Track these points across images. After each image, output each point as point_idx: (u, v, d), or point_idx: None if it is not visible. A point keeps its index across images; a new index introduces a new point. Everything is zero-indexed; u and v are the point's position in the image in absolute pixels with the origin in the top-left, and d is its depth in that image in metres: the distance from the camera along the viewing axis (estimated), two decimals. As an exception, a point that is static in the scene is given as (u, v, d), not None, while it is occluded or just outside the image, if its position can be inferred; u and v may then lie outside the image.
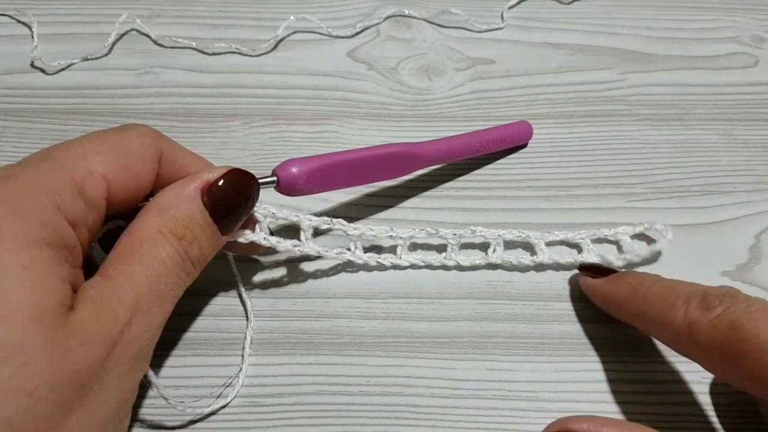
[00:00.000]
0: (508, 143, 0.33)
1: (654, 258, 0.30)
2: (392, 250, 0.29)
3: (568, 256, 0.29)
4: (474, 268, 0.29)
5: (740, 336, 0.20)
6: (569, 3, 0.40)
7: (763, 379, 0.20)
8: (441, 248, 0.30)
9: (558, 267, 0.30)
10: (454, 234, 0.29)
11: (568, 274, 0.29)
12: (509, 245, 0.30)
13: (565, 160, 0.33)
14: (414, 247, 0.30)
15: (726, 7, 0.39)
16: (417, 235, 0.29)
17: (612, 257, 0.29)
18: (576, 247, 0.30)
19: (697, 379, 0.27)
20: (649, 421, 0.26)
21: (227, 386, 0.26)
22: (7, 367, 0.17)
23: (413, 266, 0.29)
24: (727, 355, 0.21)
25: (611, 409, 0.26)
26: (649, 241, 0.30)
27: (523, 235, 0.29)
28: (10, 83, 0.35)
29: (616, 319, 0.28)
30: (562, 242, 0.30)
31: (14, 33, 0.37)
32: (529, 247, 0.30)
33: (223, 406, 0.26)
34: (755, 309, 0.21)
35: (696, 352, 0.22)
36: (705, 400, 0.26)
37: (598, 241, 0.30)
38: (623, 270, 0.28)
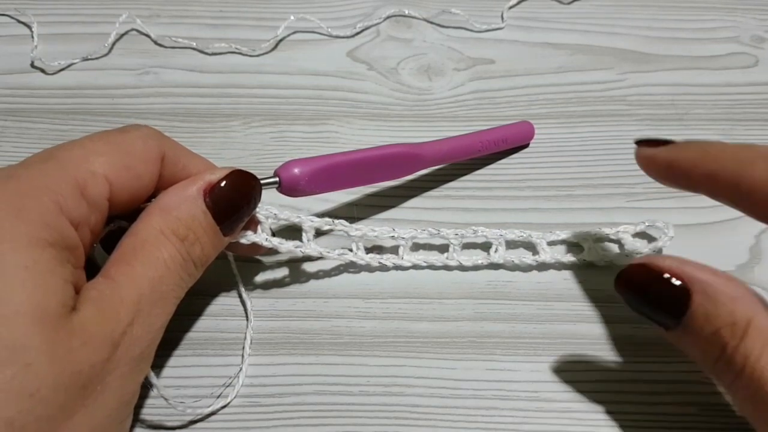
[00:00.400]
0: (510, 143, 0.33)
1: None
2: (394, 250, 0.29)
3: (570, 255, 0.29)
4: (476, 268, 0.29)
5: None
6: (569, 3, 0.40)
7: None
8: (443, 248, 0.30)
9: (560, 266, 0.30)
10: (456, 234, 0.29)
11: (568, 274, 0.29)
12: (511, 245, 0.30)
13: (565, 160, 0.33)
14: (416, 247, 0.30)
15: (726, 7, 0.39)
16: (419, 235, 0.29)
17: (614, 255, 0.29)
18: (577, 246, 0.30)
19: (697, 379, 0.27)
20: (649, 421, 0.26)
21: (227, 386, 0.26)
22: (9, 368, 0.17)
23: (415, 267, 0.29)
24: None
25: (611, 409, 0.26)
26: (651, 239, 0.30)
27: (524, 235, 0.29)
28: (10, 83, 0.35)
29: (616, 319, 0.28)
30: (563, 242, 0.30)
31: (14, 33, 0.38)
32: (530, 247, 0.30)
33: (224, 406, 0.26)
34: None
35: None
36: (705, 400, 0.26)
37: (600, 239, 0.30)
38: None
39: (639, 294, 0.22)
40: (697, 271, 0.21)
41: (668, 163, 0.24)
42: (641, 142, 0.26)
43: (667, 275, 0.21)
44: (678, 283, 0.21)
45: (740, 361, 0.20)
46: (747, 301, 0.20)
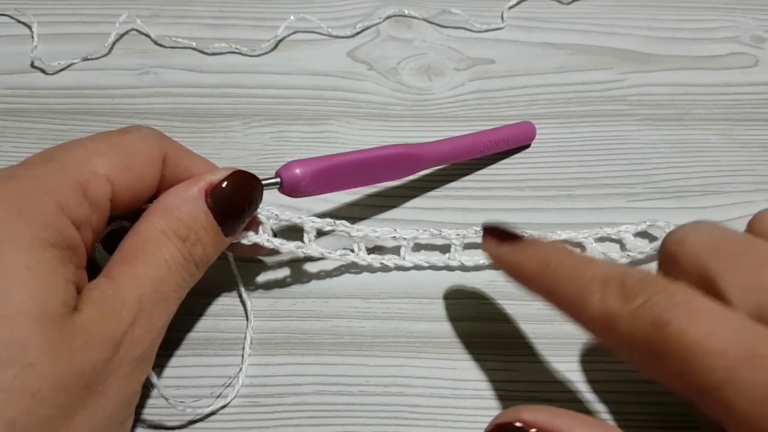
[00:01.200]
0: (511, 144, 0.33)
1: (657, 255, 0.30)
2: (395, 250, 0.29)
3: None
4: (478, 268, 0.29)
5: (665, 335, 0.18)
6: (569, 3, 0.40)
7: (690, 381, 0.18)
8: (444, 248, 0.30)
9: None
10: (458, 234, 0.29)
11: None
12: None
13: (565, 160, 0.33)
14: (417, 247, 0.30)
15: (726, 7, 0.39)
16: (420, 236, 0.29)
17: (615, 255, 0.29)
18: (579, 246, 0.30)
19: (697, 379, 0.27)
20: (649, 421, 0.26)
21: (227, 386, 0.26)
22: (11, 368, 0.17)
23: (417, 267, 0.29)
24: (651, 352, 0.18)
25: (611, 409, 0.26)
26: (652, 238, 0.30)
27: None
28: (10, 83, 0.35)
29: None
30: (564, 241, 0.30)
31: (14, 33, 0.37)
32: None
33: (223, 406, 0.26)
34: (679, 301, 0.18)
35: (616, 344, 0.20)
36: (705, 400, 0.26)
37: (601, 239, 0.30)
38: (529, 236, 0.24)
39: None
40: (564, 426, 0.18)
41: (510, 268, 0.23)
42: (487, 231, 0.25)
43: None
44: None
45: None
46: None
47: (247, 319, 0.28)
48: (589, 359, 0.27)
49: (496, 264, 0.24)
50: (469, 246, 0.30)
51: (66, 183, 0.20)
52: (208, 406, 0.26)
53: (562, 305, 0.21)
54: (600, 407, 0.26)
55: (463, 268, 0.29)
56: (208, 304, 0.28)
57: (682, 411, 0.26)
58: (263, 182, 0.24)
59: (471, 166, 0.33)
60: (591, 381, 0.27)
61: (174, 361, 0.27)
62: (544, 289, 0.22)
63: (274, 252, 0.27)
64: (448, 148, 0.30)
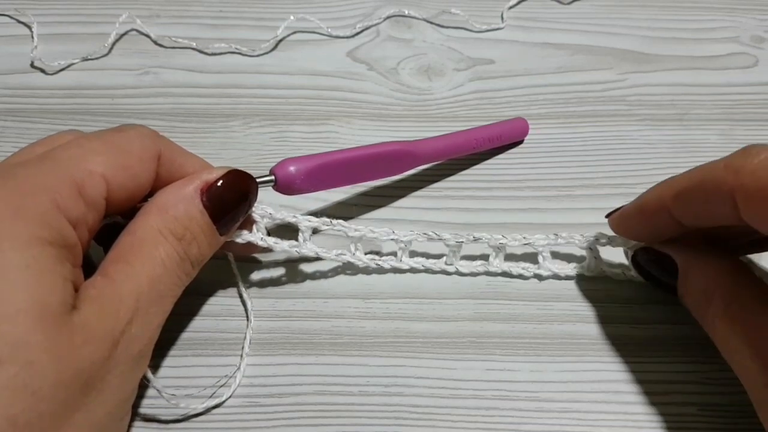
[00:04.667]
0: (504, 140, 0.33)
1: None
2: (392, 252, 0.29)
3: (569, 269, 0.29)
4: (474, 275, 0.29)
5: None
6: (569, 3, 0.40)
7: None
8: (442, 252, 0.30)
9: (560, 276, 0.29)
10: (456, 241, 0.28)
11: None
12: (511, 257, 0.29)
13: (565, 160, 0.33)
14: (414, 250, 0.30)
15: (726, 7, 0.39)
16: (418, 239, 0.28)
17: (613, 273, 0.29)
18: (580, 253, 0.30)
19: (697, 379, 0.27)
20: (649, 421, 0.26)
21: (223, 386, 0.26)
22: (11, 366, 0.17)
23: (413, 270, 0.29)
24: None
25: (611, 409, 0.26)
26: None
27: (526, 243, 0.29)
28: (10, 83, 0.35)
29: (615, 320, 0.28)
30: (566, 243, 0.29)
31: (14, 33, 0.38)
32: (532, 255, 0.29)
33: (218, 405, 0.26)
34: None
35: (741, 194, 0.21)
36: (705, 400, 0.26)
37: (602, 247, 0.29)
38: None
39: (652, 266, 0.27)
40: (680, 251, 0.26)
41: (637, 210, 0.26)
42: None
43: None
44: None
45: None
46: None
47: (247, 319, 0.28)
48: (588, 359, 0.27)
49: (623, 223, 0.28)
50: (467, 250, 0.30)
51: (62, 182, 0.20)
52: (203, 403, 0.26)
53: (690, 197, 0.23)
54: (600, 407, 0.26)
55: (459, 274, 0.29)
56: (208, 304, 0.28)
57: (681, 411, 0.26)
58: (258, 180, 0.24)
59: (470, 166, 0.33)
60: (591, 381, 0.27)
61: (174, 360, 0.27)
62: (673, 193, 0.24)
63: (269, 251, 0.27)
64: (442, 145, 0.30)
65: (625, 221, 0.27)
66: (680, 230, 0.25)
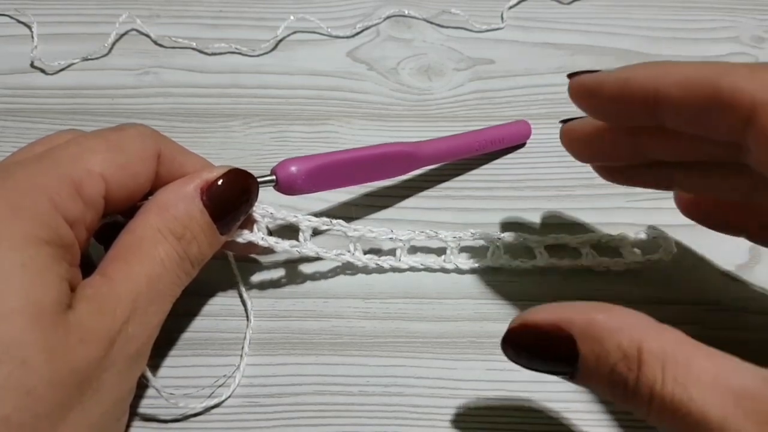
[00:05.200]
0: (506, 142, 0.33)
1: (657, 263, 0.29)
2: (391, 251, 0.29)
3: (566, 260, 0.29)
4: (473, 271, 0.29)
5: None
6: (569, 3, 0.40)
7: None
8: (441, 250, 0.30)
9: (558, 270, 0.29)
10: (454, 237, 0.29)
11: (567, 274, 0.29)
12: (508, 249, 0.29)
13: (565, 160, 0.33)
14: (413, 249, 0.30)
15: (726, 7, 0.39)
16: (417, 237, 0.29)
17: (611, 262, 0.29)
18: (574, 251, 0.30)
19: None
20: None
21: (222, 386, 0.26)
22: (6, 365, 0.17)
23: (412, 269, 0.29)
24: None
25: (611, 409, 0.26)
26: (653, 245, 0.30)
27: (521, 239, 0.29)
28: (10, 83, 0.35)
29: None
30: (563, 246, 0.30)
31: (14, 33, 0.38)
32: (528, 251, 0.29)
33: (217, 404, 0.26)
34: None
35: (763, 111, 0.18)
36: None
37: (599, 245, 0.30)
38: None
39: (527, 355, 0.21)
40: (575, 313, 0.19)
41: (619, 88, 0.22)
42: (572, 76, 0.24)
43: (546, 329, 0.20)
44: (559, 333, 0.19)
45: (646, 392, 0.18)
46: (631, 328, 0.19)
47: (247, 319, 0.28)
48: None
49: (591, 102, 0.23)
50: (464, 249, 0.30)
51: (60, 181, 0.20)
52: (202, 403, 0.25)
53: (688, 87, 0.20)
54: (600, 407, 0.26)
55: (459, 271, 0.29)
56: (208, 304, 0.28)
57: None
58: (259, 180, 0.24)
59: (470, 167, 0.33)
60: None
61: (174, 360, 0.27)
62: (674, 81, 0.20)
63: (269, 251, 0.27)
64: (444, 147, 0.30)
65: (590, 91, 0.22)
66: (640, 147, 0.22)
